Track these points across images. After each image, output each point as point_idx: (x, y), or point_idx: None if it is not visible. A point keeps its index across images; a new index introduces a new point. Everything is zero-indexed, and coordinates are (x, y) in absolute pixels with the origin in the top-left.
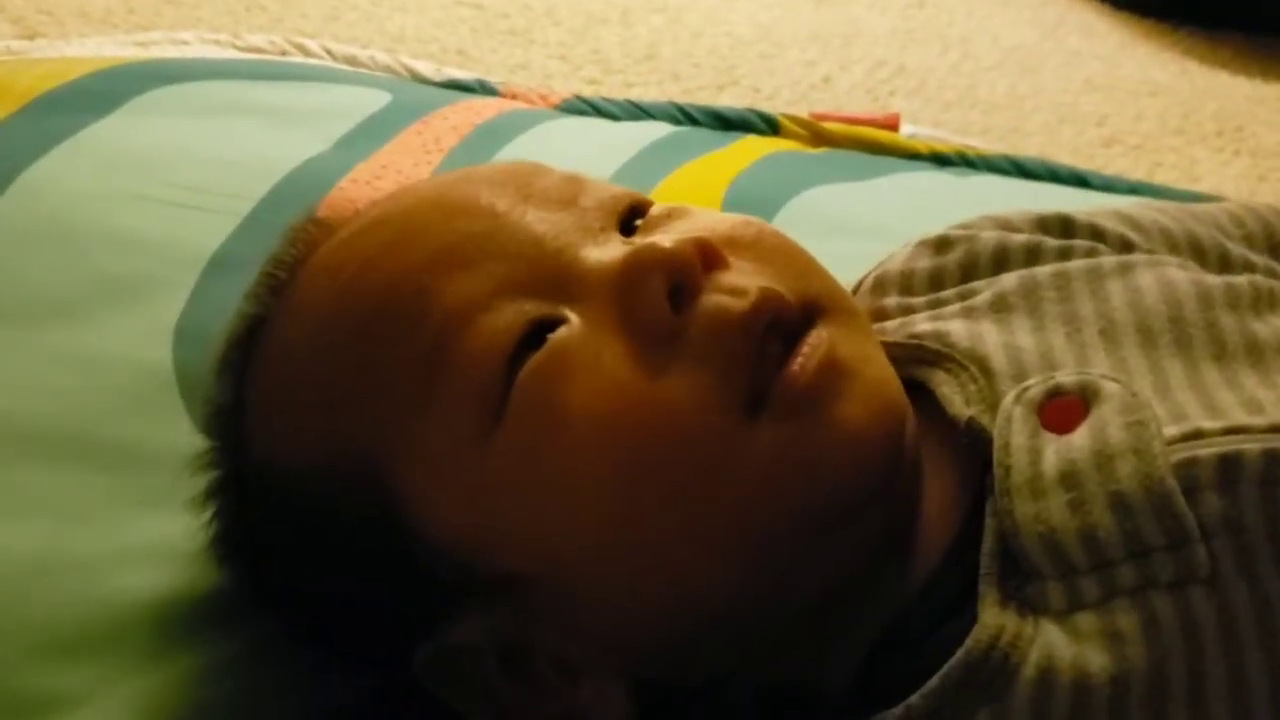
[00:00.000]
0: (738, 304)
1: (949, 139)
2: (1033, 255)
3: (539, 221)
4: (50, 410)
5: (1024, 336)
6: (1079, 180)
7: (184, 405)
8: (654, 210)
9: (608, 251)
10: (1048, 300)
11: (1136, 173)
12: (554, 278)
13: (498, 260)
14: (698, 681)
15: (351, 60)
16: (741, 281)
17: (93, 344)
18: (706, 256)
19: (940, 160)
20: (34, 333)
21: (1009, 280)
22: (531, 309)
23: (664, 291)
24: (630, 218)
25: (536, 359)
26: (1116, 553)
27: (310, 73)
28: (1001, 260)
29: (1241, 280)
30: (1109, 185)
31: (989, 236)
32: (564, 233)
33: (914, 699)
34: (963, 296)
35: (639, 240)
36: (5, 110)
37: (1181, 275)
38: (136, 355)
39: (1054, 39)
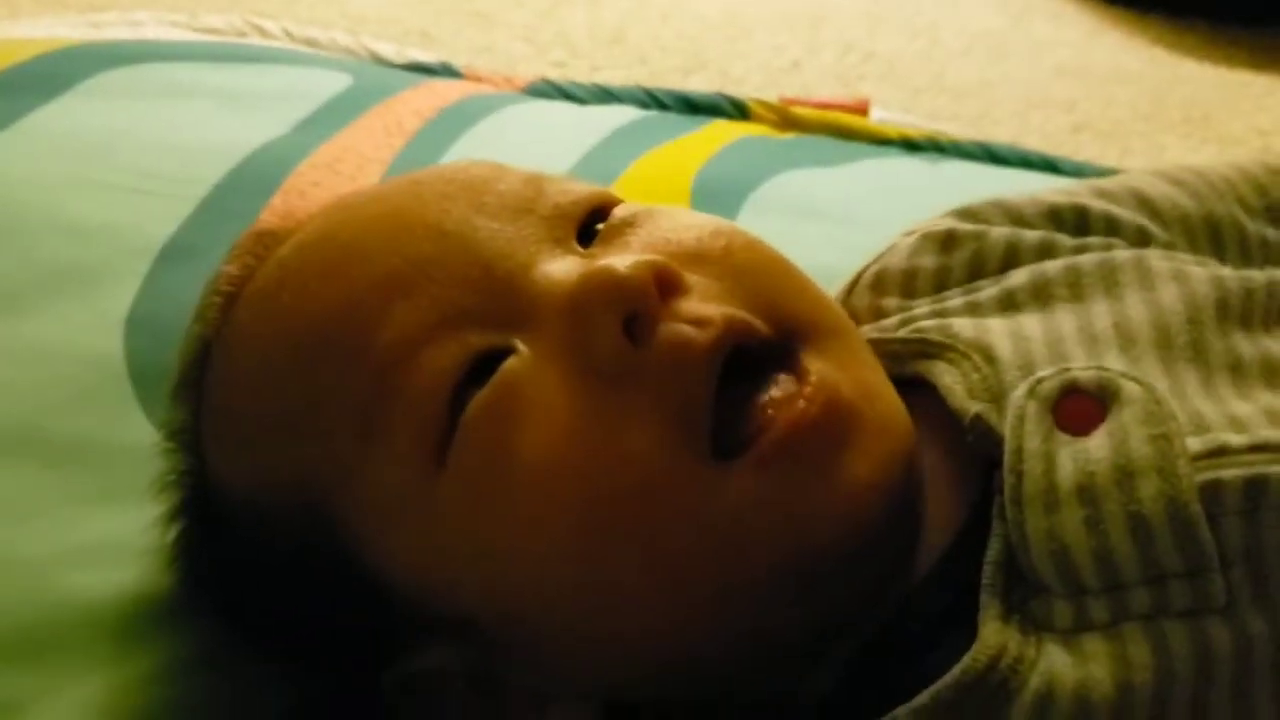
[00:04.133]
0: (699, 335)
1: (919, 124)
2: (1045, 255)
3: (490, 239)
4: None
5: (1032, 327)
6: (1050, 166)
7: (136, 397)
8: (616, 213)
9: (560, 270)
10: (1058, 297)
11: (1106, 159)
12: (503, 304)
13: (443, 286)
14: (673, 704)
15: (311, 42)
16: (705, 310)
17: (40, 335)
18: (664, 283)
19: (910, 146)
20: None
21: (1018, 276)
22: (477, 340)
23: (617, 326)
24: (592, 221)
25: (483, 396)
26: (1131, 576)
27: (269, 54)
28: (1011, 261)
29: (1259, 286)
30: (1079, 171)
31: (999, 235)
32: (515, 252)
33: (900, 712)
34: (967, 294)
35: (595, 256)
36: None
37: (1200, 273)
38: (86, 346)
39: (1021, 25)
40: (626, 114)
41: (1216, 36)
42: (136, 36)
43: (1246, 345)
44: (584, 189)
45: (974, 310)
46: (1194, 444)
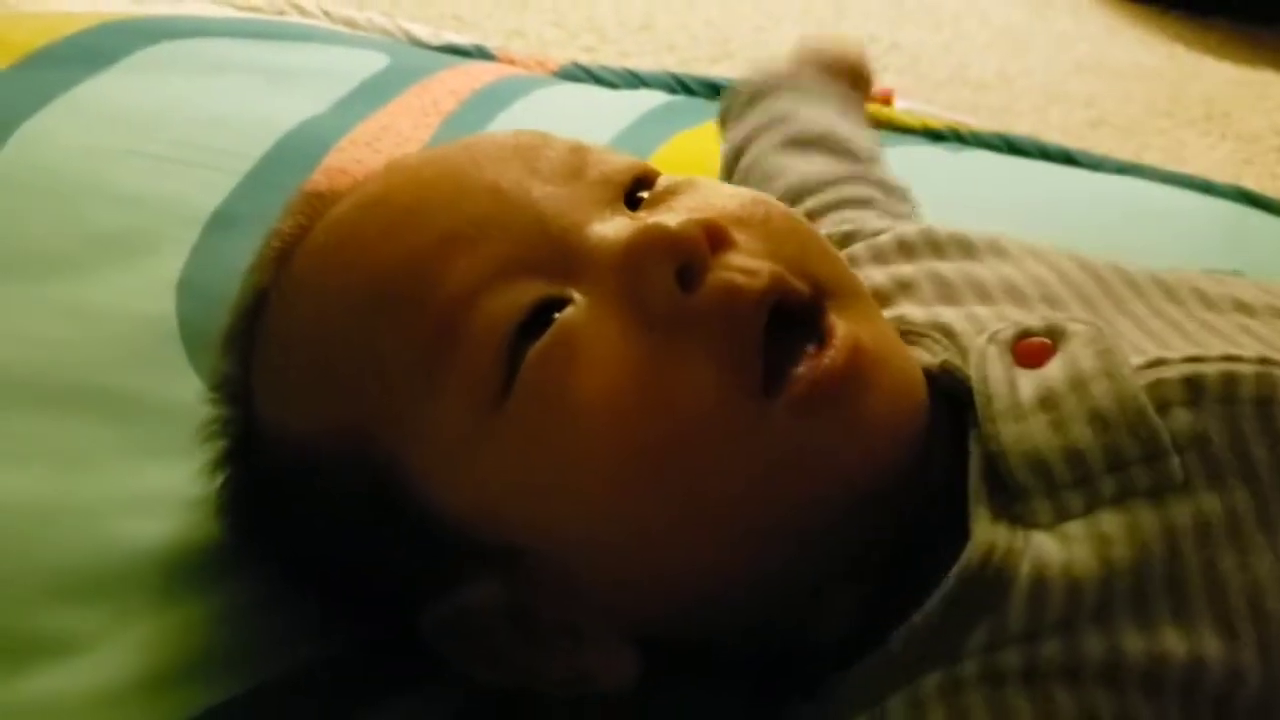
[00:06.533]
0: (750, 282)
1: (942, 115)
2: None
3: (543, 198)
4: (51, 360)
5: (978, 309)
6: (1068, 159)
7: (188, 357)
8: (660, 182)
9: (612, 228)
10: (980, 250)
11: (1123, 154)
12: (558, 257)
13: (501, 240)
14: (702, 642)
15: (349, 22)
16: (751, 263)
17: (93, 298)
18: (713, 237)
19: (933, 135)
20: (32, 286)
21: (920, 243)
22: (535, 289)
23: (671, 274)
24: (636, 189)
25: (543, 343)
26: (1097, 466)
27: (308, 33)
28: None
29: (1137, 270)
30: (1097, 164)
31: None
32: (569, 210)
33: (915, 618)
34: (904, 289)
35: (644, 217)
36: (1, 64)
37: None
38: (138, 308)
39: (1043, 19)
40: (656, 98)
41: (1237, 35)
42: (178, 12)
43: (1143, 307)
44: (626, 159)
45: (910, 293)
46: (1135, 359)
